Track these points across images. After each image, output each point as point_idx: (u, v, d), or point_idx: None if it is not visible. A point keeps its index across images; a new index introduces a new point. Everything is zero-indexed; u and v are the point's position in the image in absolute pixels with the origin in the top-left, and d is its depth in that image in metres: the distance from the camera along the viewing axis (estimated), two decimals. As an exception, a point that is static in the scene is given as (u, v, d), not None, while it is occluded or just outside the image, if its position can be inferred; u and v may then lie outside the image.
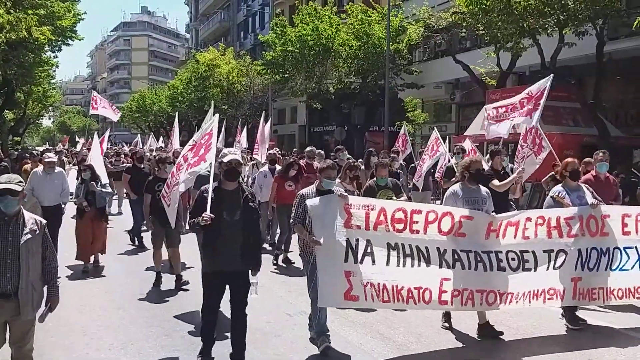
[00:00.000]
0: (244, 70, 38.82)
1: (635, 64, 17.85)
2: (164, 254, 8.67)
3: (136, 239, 11.75)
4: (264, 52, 31.53)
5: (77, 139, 28.09)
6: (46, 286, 4.58)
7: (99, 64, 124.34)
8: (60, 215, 9.60)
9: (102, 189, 9.64)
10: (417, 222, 5.76)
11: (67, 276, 8.85)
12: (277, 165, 11.23)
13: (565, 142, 15.41)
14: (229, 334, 5.56)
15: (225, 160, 5.37)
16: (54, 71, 36.78)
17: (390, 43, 24.72)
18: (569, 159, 7.02)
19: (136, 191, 11.43)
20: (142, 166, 12.33)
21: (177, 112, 13.32)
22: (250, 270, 5.39)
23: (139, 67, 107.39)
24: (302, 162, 11.28)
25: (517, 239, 6.03)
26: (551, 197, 6.80)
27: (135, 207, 11.67)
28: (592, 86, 17.51)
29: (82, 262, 9.42)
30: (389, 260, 5.62)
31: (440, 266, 5.72)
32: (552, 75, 8.62)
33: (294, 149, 26.11)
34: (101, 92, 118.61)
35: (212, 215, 5.09)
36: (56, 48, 29.89)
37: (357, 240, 5.54)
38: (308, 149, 12.20)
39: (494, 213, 6.10)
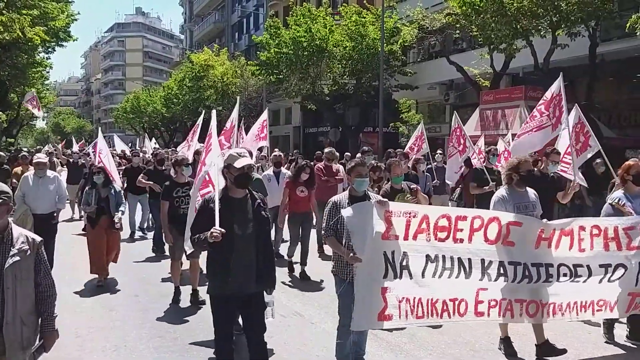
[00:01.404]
0: (239, 71, 38.82)
1: (628, 65, 17.97)
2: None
3: (157, 246, 10.96)
4: (258, 53, 31.54)
5: (72, 139, 28.02)
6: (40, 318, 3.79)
7: (93, 65, 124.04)
8: (55, 224, 8.66)
9: (119, 204, 8.61)
10: (461, 230, 5.22)
11: (59, 278, 8.80)
12: (282, 169, 10.51)
13: (558, 142, 15.45)
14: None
15: (236, 164, 4.57)
16: (48, 72, 36.73)
17: (385, 44, 24.76)
18: (631, 161, 6.20)
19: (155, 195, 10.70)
20: (163, 168, 11.47)
21: (203, 111, 12.33)
22: (265, 290, 4.73)
23: (134, 68, 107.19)
24: (320, 165, 10.74)
25: (572, 251, 5.45)
26: (610, 204, 6.09)
27: (156, 211, 10.75)
28: (584, 87, 17.61)
29: (97, 276, 8.66)
30: (424, 272, 5.08)
31: (481, 279, 5.22)
32: (561, 73, 8.43)
33: (295, 151, 26.02)
34: (95, 93, 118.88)
35: (223, 230, 4.31)
36: (50, 49, 29.84)
37: (393, 252, 4.96)
38: (327, 150, 11.11)
39: (545, 220, 5.56)
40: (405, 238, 5.03)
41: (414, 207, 5.34)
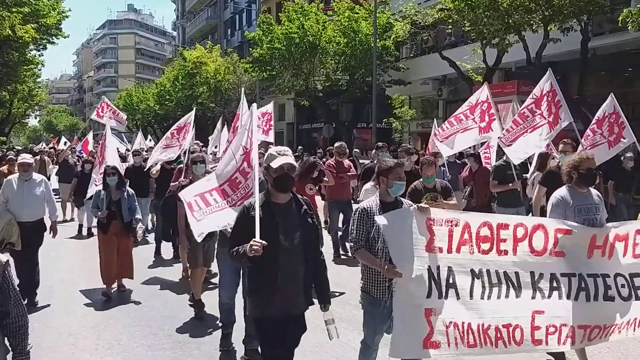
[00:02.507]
0: (232, 68, 38.76)
1: (619, 59, 18.02)
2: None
3: (157, 250, 10.61)
4: (250, 49, 31.49)
5: (63, 138, 27.86)
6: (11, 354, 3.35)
7: (85, 62, 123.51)
8: (42, 233, 7.72)
9: (133, 209, 7.87)
10: (504, 241, 4.59)
11: (52, 278, 8.77)
12: None
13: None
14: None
15: (274, 164, 3.96)
16: (40, 70, 36.54)
17: (377, 40, 24.76)
18: None
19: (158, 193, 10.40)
20: (172, 167, 10.95)
21: (194, 109, 11.23)
22: (321, 306, 4.17)
23: (126, 66, 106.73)
24: (331, 160, 10.23)
25: (627, 257, 4.82)
26: None
27: (159, 213, 10.08)
28: (576, 81, 17.66)
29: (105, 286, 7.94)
30: (472, 292, 4.44)
31: (534, 296, 4.56)
32: (549, 69, 8.20)
33: (300, 147, 25.93)
34: (88, 91, 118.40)
35: (264, 241, 3.70)
36: (41, 46, 29.69)
37: (438, 267, 4.34)
38: (337, 144, 10.25)
39: (601, 224, 4.96)
40: (449, 251, 4.42)
41: (455, 214, 4.68)
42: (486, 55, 20.01)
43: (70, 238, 12.33)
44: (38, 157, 17.63)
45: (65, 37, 29.59)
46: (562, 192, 5.21)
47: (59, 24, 28.67)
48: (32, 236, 7.41)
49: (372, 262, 4.37)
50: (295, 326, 4.11)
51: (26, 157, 7.88)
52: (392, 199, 4.56)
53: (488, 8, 16.39)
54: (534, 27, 16.64)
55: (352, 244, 4.50)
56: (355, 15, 26.59)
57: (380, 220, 4.22)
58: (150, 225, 12.37)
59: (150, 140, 32.85)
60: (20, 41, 24.44)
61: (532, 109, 8.34)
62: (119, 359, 5.73)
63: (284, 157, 4.03)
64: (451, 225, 4.42)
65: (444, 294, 4.30)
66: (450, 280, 4.34)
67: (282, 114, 42.63)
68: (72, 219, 14.29)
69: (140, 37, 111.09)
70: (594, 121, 8.34)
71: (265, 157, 4.13)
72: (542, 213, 6.85)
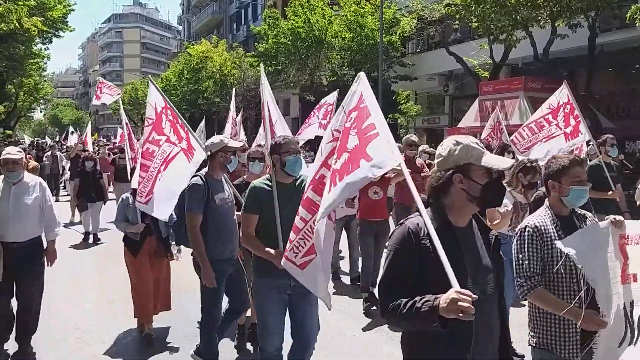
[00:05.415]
0: (237, 62, 38.77)
1: (627, 55, 17.92)
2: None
3: None
4: (256, 44, 31.49)
5: (71, 128, 27.78)
6: None
7: (91, 56, 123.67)
8: (39, 259, 5.49)
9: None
10: None
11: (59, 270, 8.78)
12: None
13: (557, 134, 15.43)
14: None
15: (488, 163, 2.50)
16: (45, 63, 36.66)
17: (384, 35, 24.69)
18: None
19: None
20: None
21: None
22: None
23: (131, 60, 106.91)
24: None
25: None
26: None
27: None
28: (584, 78, 17.55)
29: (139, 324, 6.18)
30: None
31: None
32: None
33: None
34: (93, 85, 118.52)
35: (471, 294, 2.18)
36: (47, 40, 29.81)
37: (632, 304, 3.16)
38: (406, 137, 8.73)
39: None
40: None
41: None
42: (493, 51, 19.93)
43: (74, 246, 11.21)
44: (49, 153, 17.36)
45: (70, 31, 29.69)
46: None
47: (64, 18, 28.77)
48: (23, 264, 5.26)
49: (559, 307, 3.09)
50: None
51: (11, 152, 5.41)
52: (568, 211, 3.38)
53: (495, 4, 16.31)
54: (541, 23, 16.55)
55: (521, 281, 3.20)
56: (362, 10, 26.51)
57: (568, 247, 2.99)
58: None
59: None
60: (27, 34, 24.52)
61: None
62: (125, 351, 5.75)
63: (495, 155, 2.70)
64: None
65: (635, 339, 3.18)
66: None
67: (286, 109, 42.59)
68: (80, 222, 12.47)
69: (145, 31, 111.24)
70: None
71: (456, 150, 2.54)
72: None
